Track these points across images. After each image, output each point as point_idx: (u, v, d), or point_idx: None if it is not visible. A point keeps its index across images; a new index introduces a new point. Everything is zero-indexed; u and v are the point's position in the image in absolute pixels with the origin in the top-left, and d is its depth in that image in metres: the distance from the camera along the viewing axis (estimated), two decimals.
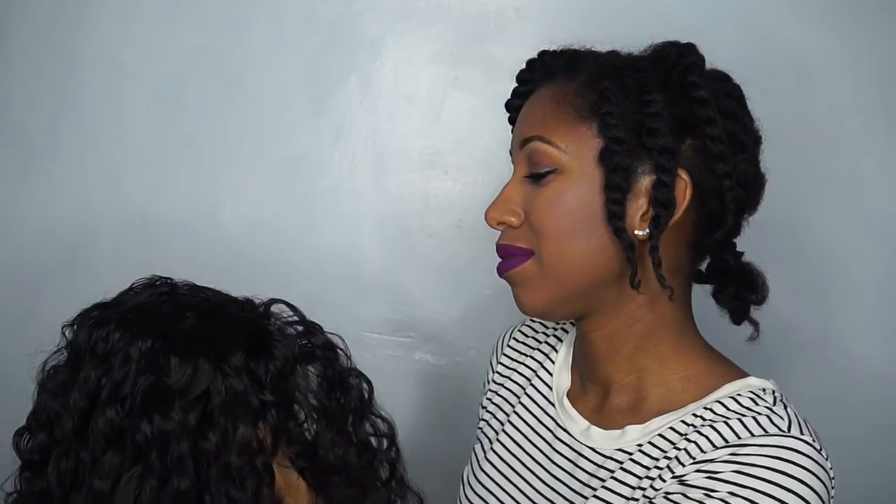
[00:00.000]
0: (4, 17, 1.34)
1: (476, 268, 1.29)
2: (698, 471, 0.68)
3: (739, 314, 0.79)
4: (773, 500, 0.64)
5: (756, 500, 0.64)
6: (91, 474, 0.59)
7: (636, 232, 0.73)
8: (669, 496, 0.68)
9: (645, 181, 0.73)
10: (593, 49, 0.80)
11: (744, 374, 0.76)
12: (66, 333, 0.68)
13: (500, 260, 0.79)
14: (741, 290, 0.79)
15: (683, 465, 0.69)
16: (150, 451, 0.58)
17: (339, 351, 0.69)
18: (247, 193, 1.34)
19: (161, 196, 1.35)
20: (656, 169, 0.72)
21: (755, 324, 0.79)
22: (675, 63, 0.75)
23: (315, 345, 0.68)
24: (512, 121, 0.83)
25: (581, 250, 0.74)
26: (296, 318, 0.69)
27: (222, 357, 0.61)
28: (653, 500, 0.70)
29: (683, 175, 0.72)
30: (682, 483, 0.68)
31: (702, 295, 0.82)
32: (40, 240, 1.36)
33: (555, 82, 0.78)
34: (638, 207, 0.73)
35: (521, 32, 1.25)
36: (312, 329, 0.69)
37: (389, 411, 1.41)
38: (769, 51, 1.18)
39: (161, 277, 0.71)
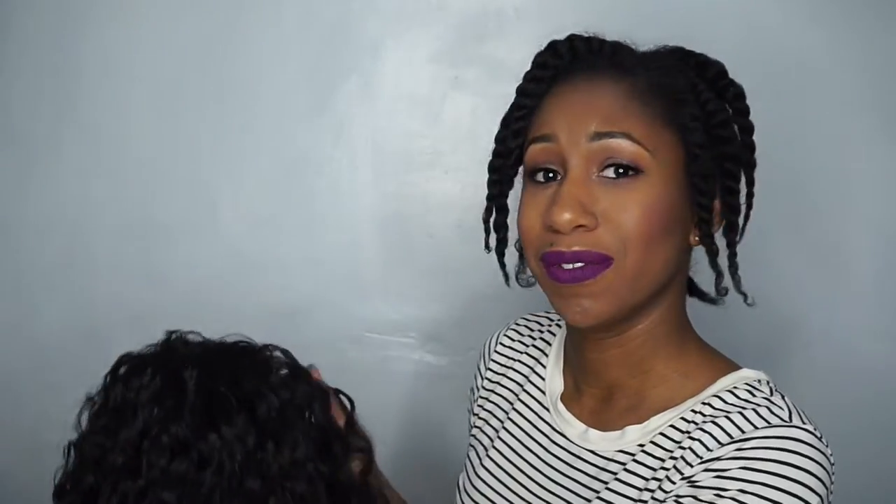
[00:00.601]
0: (5, 17, 1.34)
1: (476, 268, 1.28)
2: (706, 470, 0.68)
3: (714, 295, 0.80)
4: (781, 493, 0.64)
5: (765, 495, 0.64)
6: (157, 487, 0.63)
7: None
8: (681, 499, 0.68)
9: (718, 186, 0.74)
10: (624, 43, 0.78)
11: (737, 367, 0.76)
12: (95, 396, 0.71)
13: (558, 266, 0.72)
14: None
15: (691, 466, 0.69)
16: (219, 456, 0.63)
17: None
18: (247, 193, 1.34)
19: (161, 196, 1.35)
20: (725, 175, 0.73)
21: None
22: (703, 70, 0.76)
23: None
24: (523, 107, 0.77)
25: (662, 257, 0.72)
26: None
27: (265, 376, 0.68)
28: (663, 503, 0.70)
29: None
30: (692, 485, 0.68)
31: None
32: (40, 240, 1.36)
33: (606, 75, 0.73)
34: (716, 213, 0.75)
35: (521, 32, 1.25)
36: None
37: (389, 411, 1.42)
38: (769, 50, 1.18)
39: (172, 331, 0.75)
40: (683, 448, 0.71)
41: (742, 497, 0.65)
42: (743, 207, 0.77)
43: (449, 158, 1.30)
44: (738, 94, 0.76)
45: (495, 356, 0.94)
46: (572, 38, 0.77)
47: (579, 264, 0.71)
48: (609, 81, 0.73)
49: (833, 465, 0.68)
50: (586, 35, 0.77)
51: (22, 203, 1.36)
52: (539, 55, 0.78)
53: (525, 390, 0.87)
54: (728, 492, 0.65)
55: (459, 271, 1.30)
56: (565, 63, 0.76)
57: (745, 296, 0.76)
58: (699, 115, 0.73)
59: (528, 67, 0.79)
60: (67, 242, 1.36)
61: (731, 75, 0.78)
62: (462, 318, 1.32)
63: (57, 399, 1.34)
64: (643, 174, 0.70)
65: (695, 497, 0.67)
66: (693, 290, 0.81)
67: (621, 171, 0.70)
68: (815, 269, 1.21)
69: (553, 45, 0.77)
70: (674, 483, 0.69)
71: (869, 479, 1.14)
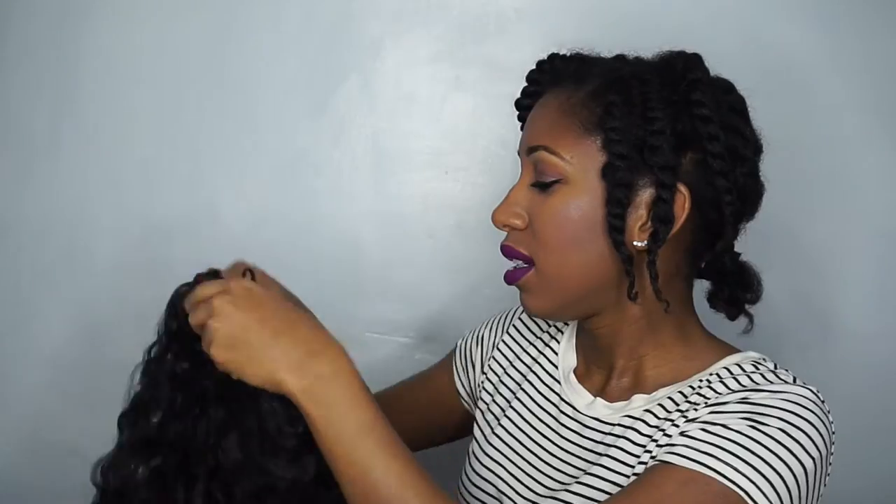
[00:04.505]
0: (5, 17, 1.34)
1: (476, 268, 1.29)
2: (712, 412, 0.70)
3: (734, 311, 0.82)
4: (785, 435, 0.67)
5: (773, 435, 0.67)
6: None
7: (635, 243, 0.75)
8: (685, 433, 0.70)
9: (645, 194, 0.75)
10: (601, 55, 0.81)
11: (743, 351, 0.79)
12: None
13: (505, 259, 0.81)
14: (736, 289, 0.81)
15: (697, 409, 0.72)
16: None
17: None
18: (247, 193, 1.34)
19: (161, 196, 1.34)
20: (657, 184, 0.74)
21: (749, 317, 0.81)
22: (681, 76, 0.76)
23: None
24: (521, 119, 0.84)
25: (580, 261, 0.76)
26: None
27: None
28: (663, 446, 0.72)
29: (682, 189, 0.74)
30: (697, 421, 0.71)
31: (701, 288, 0.83)
32: (40, 240, 1.36)
33: (562, 89, 0.79)
34: (637, 219, 0.75)
35: (521, 32, 1.25)
36: None
37: None
38: (767, 52, 1.18)
39: None
40: (690, 402, 0.74)
41: (750, 432, 0.67)
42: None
43: (449, 158, 1.30)
44: (697, 101, 0.74)
45: (517, 323, 0.96)
46: (552, 57, 0.83)
47: (516, 262, 0.79)
48: (557, 96, 0.79)
49: (833, 433, 0.72)
50: (567, 53, 0.82)
51: (22, 203, 1.36)
52: (529, 72, 0.84)
53: (538, 363, 0.90)
54: (736, 423, 0.68)
55: (459, 271, 1.31)
56: (546, 79, 0.82)
57: (666, 303, 0.76)
58: (622, 126, 0.74)
59: (527, 67, 0.85)
60: (67, 242, 1.35)
61: (734, 85, 0.78)
62: (462, 318, 1.31)
63: (57, 399, 1.35)
64: (564, 183, 0.75)
65: (702, 429, 0.69)
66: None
67: (545, 180, 0.76)
68: (811, 272, 1.22)
69: (538, 63, 0.84)
70: (678, 426, 0.72)
71: (867, 483, 1.14)
